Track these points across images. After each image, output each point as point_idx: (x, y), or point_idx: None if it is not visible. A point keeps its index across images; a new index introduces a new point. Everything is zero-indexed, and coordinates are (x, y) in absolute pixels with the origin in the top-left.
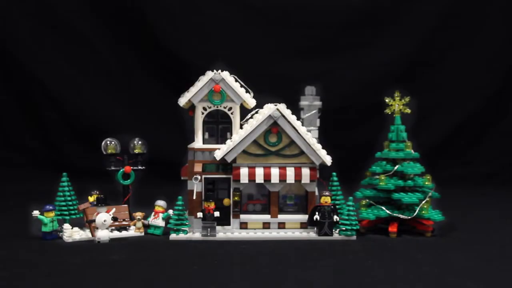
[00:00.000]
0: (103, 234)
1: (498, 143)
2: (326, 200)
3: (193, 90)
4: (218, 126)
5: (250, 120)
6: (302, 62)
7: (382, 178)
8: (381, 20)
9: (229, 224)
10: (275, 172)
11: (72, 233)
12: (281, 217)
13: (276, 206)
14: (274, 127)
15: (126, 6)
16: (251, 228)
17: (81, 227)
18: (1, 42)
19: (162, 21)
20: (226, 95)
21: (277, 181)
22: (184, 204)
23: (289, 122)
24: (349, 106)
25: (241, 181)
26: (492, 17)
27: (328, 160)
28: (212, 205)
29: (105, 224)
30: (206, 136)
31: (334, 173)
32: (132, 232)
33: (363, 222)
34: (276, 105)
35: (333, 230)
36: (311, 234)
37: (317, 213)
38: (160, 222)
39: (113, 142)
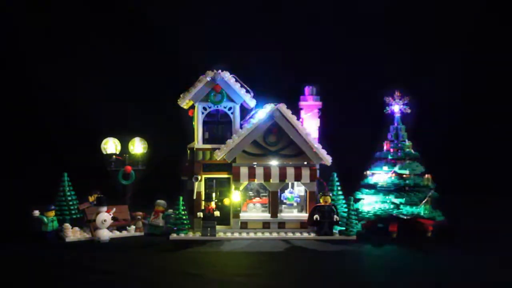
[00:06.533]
0: (103, 234)
1: (499, 143)
2: (326, 200)
3: (193, 90)
4: (218, 126)
5: (250, 119)
6: (302, 61)
7: (383, 178)
8: (382, 20)
9: (229, 224)
10: (275, 172)
11: (72, 233)
12: (281, 217)
13: (276, 206)
14: (274, 127)
15: (126, 5)
16: (251, 228)
17: (81, 226)
18: (0, 42)
19: (163, 20)
20: (226, 95)
21: (277, 181)
22: (184, 204)
23: (289, 122)
24: (349, 106)
25: (241, 181)
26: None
27: (328, 160)
28: (212, 205)
29: (105, 224)
30: (206, 136)
31: (334, 173)
32: (132, 232)
33: (363, 222)
34: (276, 105)
35: (333, 230)
36: (311, 234)
37: (317, 213)
38: (160, 222)
39: (113, 142)
